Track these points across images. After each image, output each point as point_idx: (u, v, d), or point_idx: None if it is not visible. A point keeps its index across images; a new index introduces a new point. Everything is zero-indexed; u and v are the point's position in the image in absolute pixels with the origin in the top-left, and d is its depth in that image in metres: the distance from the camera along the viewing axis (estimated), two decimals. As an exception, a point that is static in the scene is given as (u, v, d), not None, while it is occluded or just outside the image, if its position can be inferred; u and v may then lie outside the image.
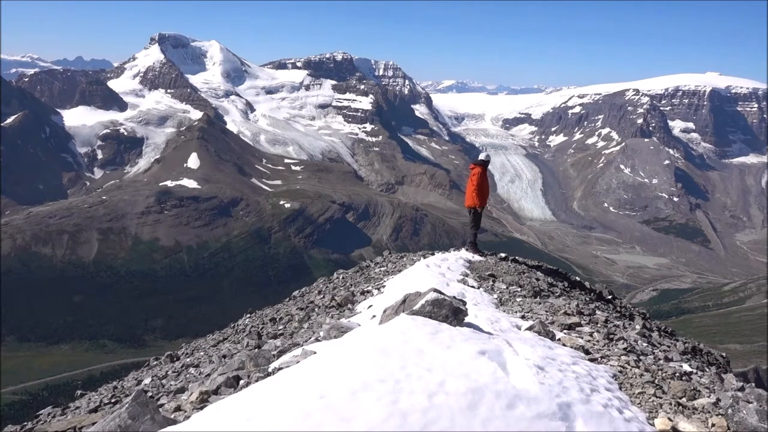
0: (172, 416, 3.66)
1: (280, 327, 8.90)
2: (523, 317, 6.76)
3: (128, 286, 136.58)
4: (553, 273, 12.54)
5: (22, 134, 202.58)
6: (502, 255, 13.51)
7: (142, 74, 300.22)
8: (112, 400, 7.19)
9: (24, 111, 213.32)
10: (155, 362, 11.40)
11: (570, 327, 6.41)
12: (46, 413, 7.75)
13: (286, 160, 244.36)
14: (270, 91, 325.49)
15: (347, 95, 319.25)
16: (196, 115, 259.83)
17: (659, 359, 5.43)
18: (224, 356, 7.43)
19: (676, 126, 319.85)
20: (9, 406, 76.82)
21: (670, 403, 4.04)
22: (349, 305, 8.38)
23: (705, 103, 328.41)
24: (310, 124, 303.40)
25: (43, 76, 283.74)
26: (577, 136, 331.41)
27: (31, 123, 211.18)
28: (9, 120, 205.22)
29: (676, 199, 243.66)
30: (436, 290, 5.13)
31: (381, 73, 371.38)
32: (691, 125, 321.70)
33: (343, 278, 13.31)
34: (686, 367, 5.10)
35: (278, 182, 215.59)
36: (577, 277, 14.35)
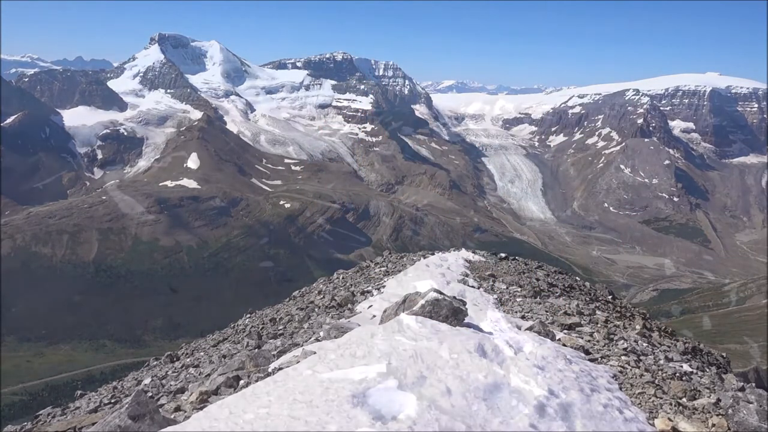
0: (172, 416, 3.66)
1: (280, 327, 8.89)
2: (523, 317, 6.76)
3: (128, 286, 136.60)
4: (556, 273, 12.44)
5: (22, 134, 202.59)
6: (502, 255, 13.51)
7: (142, 74, 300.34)
8: (112, 401, 7.18)
9: (24, 111, 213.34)
10: (155, 362, 11.40)
11: (570, 327, 6.41)
12: (46, 413, 7.74)
13: (286, 160, 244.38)
14: (270, 91, 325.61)
15: (347, 95, 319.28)
16: (196, 115, 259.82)
17: (659, 359, 5.43)
18: (224, 356, 7.42)
19: (676, 126, 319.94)
20: (9, 407, 76.77)
21: (671, 403, 4.04)
22: (349, 305, 8.38)
23: (705, 103, 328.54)
24: (310, 124, 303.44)
25: (43, 76, 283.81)
26: (577, 136, 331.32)
27: (31, 123, 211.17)
28: (9, 120, 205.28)
29: (676, 199, 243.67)
30: (436, 290, 5.13)
31: (381, 73, 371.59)
32: (691, 125, 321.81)
33: (343, 278, 13.31)
34: (686, 367, 5.09)
35: (278, 182, 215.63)
36: (577, 278, 14.38)
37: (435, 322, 4.57)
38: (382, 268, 12.68)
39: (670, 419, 3.77)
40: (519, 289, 8.74)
